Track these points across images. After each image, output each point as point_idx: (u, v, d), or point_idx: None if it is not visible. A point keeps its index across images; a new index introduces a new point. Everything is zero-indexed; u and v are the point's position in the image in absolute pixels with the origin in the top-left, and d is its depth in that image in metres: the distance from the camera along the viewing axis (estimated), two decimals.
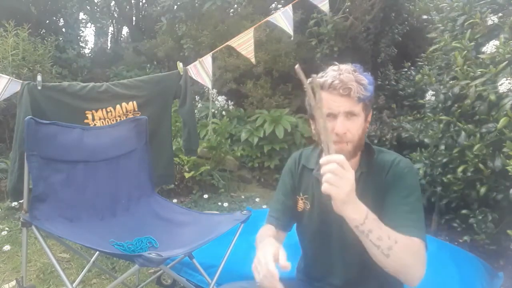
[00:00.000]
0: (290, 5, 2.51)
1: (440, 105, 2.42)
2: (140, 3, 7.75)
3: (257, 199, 3.54)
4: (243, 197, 3.58)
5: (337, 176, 0.86)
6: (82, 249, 2.10)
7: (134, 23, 7.79)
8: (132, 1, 7.63)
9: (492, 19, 2.06)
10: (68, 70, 5.44)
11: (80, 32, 6.63)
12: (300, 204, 1.24)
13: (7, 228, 2.73)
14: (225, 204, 3.33)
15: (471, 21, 2.13)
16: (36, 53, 4.06)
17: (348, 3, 4.27)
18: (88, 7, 6.98)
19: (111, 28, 8.66)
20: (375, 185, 1.10)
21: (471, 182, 2.18)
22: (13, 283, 2.06)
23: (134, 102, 2.12)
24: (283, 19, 2.48)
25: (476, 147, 1.98)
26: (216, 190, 3.57)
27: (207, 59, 2.35)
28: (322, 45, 4.27)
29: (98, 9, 7.25)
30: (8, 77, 1.90)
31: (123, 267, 2.27)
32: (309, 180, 1.22)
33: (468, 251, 2.09)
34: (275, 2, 5.68)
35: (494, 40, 1.92)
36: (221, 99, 4.52)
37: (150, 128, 1.92)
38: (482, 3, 2.20)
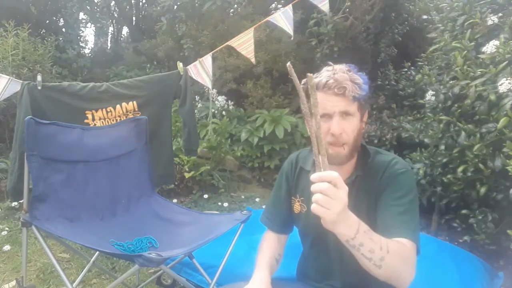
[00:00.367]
0: (290, 5, 2.51)
1: (440, 105, 2.42)
2: (140, 3, 7.76)
3: (257, 199, 3.54)
4: (243, 197, 3.58)
5: (328, 197, 0.79)
6: (82, 249, 2.10)
7: (134, 23, 7.79)
8: (132, 1, 7.63)
9: (492, 19, 2.06)
10: (68, 70, 5.44)
11: (80, 32, 6.64)
12: (297, 206, 1.23)
13: (7, 228, 2.73)
14: (225, 204, 3.33)
15: (471, 21, 2.13)
16: (36, 53, 4.06)
17: (348, 3, 4.27)
18: (88, 7, 6.99)
19: (111, 28, 8.67)
20: (370, 188, 1.09)
21: (471, 182, 2.18)
22: (13, 283, 2.06)
23: (134, 102, 2.12)
24: (283, 19, 2.48)
25: (476, 147, 1.98)
26: (216, 190, 3.58)
27: (207, 59, 2.35)
28: (322, 45, 4.27)
29: (98, 9, 7.25)
30: (8, 77, 1.90)
31: (123, 267, 2.27)
32: (306, 182, 1.20)
33: (468, 251, 2.09)
34: (275, 2, 5.69)
35: (494, 40, 1.92)
36: (221, 99, 4.52)
37: (150, 128, 1.92)
38: (482, 3, 2.20)
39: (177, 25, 5.03)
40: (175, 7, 4.93)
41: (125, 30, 8.79)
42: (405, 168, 1.08)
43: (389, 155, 1.14)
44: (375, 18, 4.49)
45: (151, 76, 2.30)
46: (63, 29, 6.24)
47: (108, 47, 8.41)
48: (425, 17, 4.21)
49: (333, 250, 1.15)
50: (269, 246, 1.24)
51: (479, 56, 2.01)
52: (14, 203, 2.97)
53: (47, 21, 6.13)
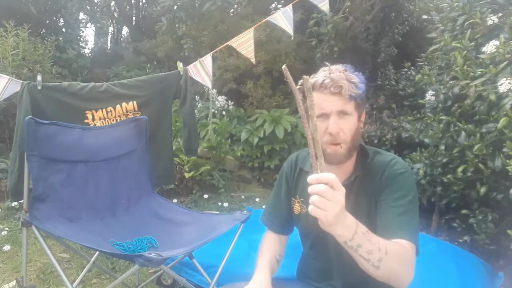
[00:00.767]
0: (290, 5, 2.51)
1: (440, 105, 2.42)
2: (140, 3, 7.75)
3: (257, 199, 3.54)
4: (243, 197, 3.58)
5: (325, 198, 0.81)
6: (82, 249, 2.10)
7: (134, 23, 7.79)
8: (132, 1, 7.62)
9: (492, 19, 2.06)
10: (68, 70, 5.44)
11: (80, 32, 6.63)
12: (297, 207, 1.23)
13: (7, 228, 2.73)
14: (225, 204, 3.33)
15: (471, 21, 2.13)
16: (36, 53, 4.06)
17: (348, 3, 4.27)
18: (88, 7, 6.98)
19: (111, 28, 8.66)
20: (370, 188, 1.09)
21: (471, 182, 2.18)
22: (13, 283, 2.06)
23: (134, 102, 2.12)
24: (283, 19, 2.48)
25: (476, 147, 1.98)
26: (216, 190, 3.58)
27: (207, 59, 2.35)
28: (322, 45, 4.27)
29: (98, 9, 7.24)
30: (8, 77, 1.90)
31: (123, 267, 2.27)
32: (305, 182, 1.20)
33: (468, 251, 2.09)
34: (275, 2, 5.69)
35: (494, 40, 1.92)
36: (221, 99, 4.52)
37: (150, 128, 1.92)
38: (482, 3, 2.20)
39: (177, 25, 5.03)
40: (175, 7, 4.93)
41: (125, 30, 8.80)
42: (404, 169, 1.08)
43: (388, 155, 1.13)
44: (375, 18, 4.49)
45: (151, 76, 2.30)
46: (63, 29, 6.24)
47: (108, 47, 8.41)
48: (425, 17, 4.22)
49: (333, 251, 1.15)
50: (270, 246, 1.24)
51: (479, 56, 2.00)
52: (14, 203, 2.97)
53: (47, 21, 6.13)
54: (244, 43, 2.40)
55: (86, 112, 2.02)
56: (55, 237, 1.62)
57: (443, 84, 2.38)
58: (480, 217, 2.18)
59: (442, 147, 2.35)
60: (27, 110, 1.84)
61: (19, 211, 2.83)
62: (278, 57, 4.57)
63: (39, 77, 1.91)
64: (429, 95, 2.61)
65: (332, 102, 1.03)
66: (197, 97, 4.79)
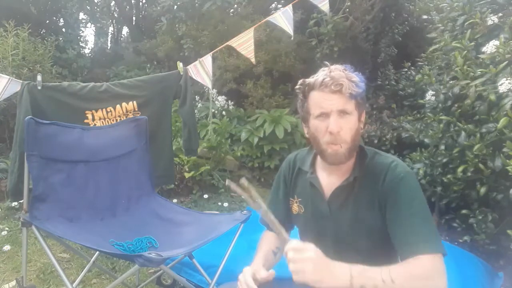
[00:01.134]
0: (290, 5, 2.51)
1: (440, 105, 2.42)
2: (140, 3, 7.75)
3: (257, 199, 3.53)
4: (243, 197, 3.57)
5: (296, 263, 0.87)
6: (82, 249, 2.10)
7: (134, 23, 7.78)
8: (132, 1, 7.62)
9: (492, 19, 2.06)
10: (68, 70, 5.44)
11: (80, 32, 6.63)
12: (295, 207, 1.23)
13: (7, 228, 2.73)
14: (225, 204, 3.33)
15: (471, 21, 2.13)
16: (36, 53, 4.06)
17: (348, 3, 4.27)
18: (88, 7, 6.98)
19: (111, 28, 8.66)
20: (371, 192, 1.08)
21: (471, 182, 2.18)
22: (13, 283, 2.06)
23: (134, 102, 2.12)
24: (283, 19, 2.48)
25: (476, 147, 1.98)
26: (216, 190, 3.57)
27: (207, 59, 2.35)
28: (322, 45, 4.27)
29: (98, 9, 7.24)
30: (8, 77, 1.90)
31: (123, 267, 2.27)
32: (304, 183, 1.21)
33: (468, 251, 2.09)
34: (275, 2, 5.68)
35: (494, 40, 1.92)
36: (221, 99, 4.52)
37: (150, 128, 1.92)
38: (482, 3, 2.20)
39: (177, 25, 5.02)
40: (175, 7, 4.93)
41: (125, 30, 8.79)
42: (406, 171, 1.06)
43: (388, 156, 1.12)
44: (375, 18, 4.50)
45: (151, 76, 2.30)
46: (63, 29, 6.23)
47: (108, 47, 8.41)
48: (425, 17, 4.22)
49: (332, 252, 1.13)
50: (266, 241, 1.25)
51: (479, 56, 2.00)
52: (14, 203, 2.97)
53: (47, 21, 6.12)
54: (244, 43, 2.40)
55: (86, 112, 2.02)
56: (55, 237, 1.62)
57: (443, 84, 2.38)
58: (480, 217, 2.18)
59: (442, 147, 2.35)
60: (27, 110, 1.84)
61: (19, 211, 2.83)
62: (278, 57, 4.57)
63: (39, 77, 1.91)
64: (429, 95, 2.61)
65: (332, 101, 1.02)
66: (197, 97, 4.79)
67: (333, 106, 1.02)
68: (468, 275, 1.77)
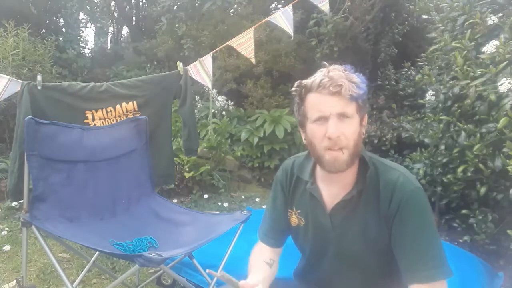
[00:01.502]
0: (290, 5, 2.51)
1: (440, 105, 2.42)
2: (140, 3, 7.75)
3: (257, 199, 3.54)
4: (243, 197, 3.58)
5: None
6: (82, 249, 2.10)
7: (134, 23, 7.78)
8: (132, 1, 7.62)
9: (492, 19, 2.06)
10: (68, 70, 5.44)
11: (80, 32, 6.62)
12: (294, 219, 1.15)
13: (7, 228, 2.73)
14: (225, 204, 3.33)
15: (471, 21, 2.13)
16: (36, 53, 4.06)
17: (348, 3, 4.27)
18: (88, 7, 6.97)
19: (111, 28, 8.65)
20: (377, 208, 1.00)
21: (471, 182, 2.18)
22: (13, 283, 2.06)
23: (134, 102, 2.12)
24: (283, 19, 2.48)
25: (476, 147, 1.98)
26: (216, 190, 3.58)
27: (207, 59, 2.35)
28: (322, 45, 4.27)
29: (98, 9, 7.24)
30: (8, 77, 1.89)
31: (123, 267, 2.27)
32: (303, 193, 1.12)
33: (468, 251, 2.09)
34: (275, 2, 5.68)
35: (494, 40, 1.92)
36: (221, 99, 4.52)
37: (150, 128, 1.92)
38: (482, 3, 2.19)
39: (177, 25, 5.02)
40: (175, 7, 4.93)
41: (125, 30, 8.78)
42: (413, 189, 0.97)
43: (393, 168, 1.02)
44: (375, 18, 4.49)
45: (151, 76, 2.30)
46: (63, 29, 6.23)
47: (108, 47, 8.41)
48: (425, 17, 4.20)
49: (333, 265, 1.11)
50: (257, 255, 1.19)
51: (479, 56, 2.00)
52: (14, 203, 2.97)
53: (47, 21, 6.12)
54: (244, 43, 2.40)
55: (86, 112, 2.02)
56: (55, 237, 1.62)
57: (443, 84, 2.38)
58: (480, 217, 2.18)
59: (442, 147, 2.35)
60: (27, 110, 1.84)
61: (19, 211, 2.83)
62: (278, 57, 4.57)
63: (39, 77, 1.90)
64: (429, 95, 2.61)
65: (331, 103, 0.94)
66: (197, 97, 4.79)
67: (332, 109, 0.94)
68: (468, 275, 1.77)
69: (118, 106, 2.08)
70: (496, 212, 2.17)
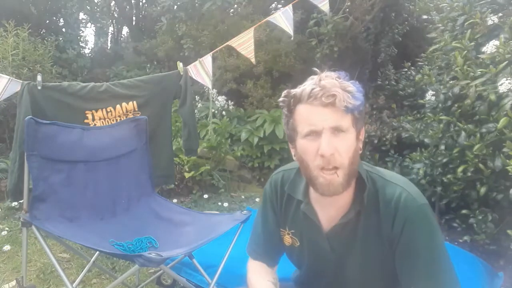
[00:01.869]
0: (290, 5, 2.51)
1: (440, 105, 2.42)
2: (140, 3, 7.74)
3: (257, 199, 3.53)
4: (243, 197, 3.58)
5: None
6: (82, 249, 2.10)
7: (134, 23, 7.78)
8: (132, 1, 7.62)
9: (492, 19, 2.06)
10: (68, 70, 5.44)
11: (80, 32, 6.63)
12: (287, 239, 1.07)
13: (7, 228, 2.73)
14: (225, 204, 3.33)
15: (471, 21, 2.13)
16: (36, 53, 4.06)
17: (348, 3, 4.27)
18: (88, 7, 6.97)
19: (111, 28, 8.64)
20: (379, 228, 0.92)
21: (471, 182, 2.18)
22: (13, 283, 2.06)
23: (134, 102, 2.12)
24: (283, 19, 2.48)
25: (476, 147, 1.98)
26: (216, 190, 3.57)
27: (207, 59, 2.35)
28: (322, 45, 4.27)
29: (98, 9, 7.24)
30: (8, 77, 1.90)
31: (123, 267, 2.27)
32: (296, 212, 1.02)
33: (468, 251, 2.09)
34: (275, 2, 5.68)
35: (494, 40, 1.92)
36: (221, 99, 4.52)
37: (150, 128, 1.92)
38: (482, 3, 2.20)
39: (177, 25, 5.02)
40: (175, 7, 4.93)
41: (125, 30, 8.77)
42: (418, 206, 0.89)
43: (393, 184, 0.92)
44: (375, 18, 4.49)
45: (151, 76, 2.30)
46: (63, 29, 6.23)
47: (108, 47, 8.40)
48: (425, 17, 4.21)
49: (329, 285, 1.06)
50: (259, 275, 1.09)
51: (479, 56, 2.00)
52: (14, 203, 2.97)
53: (47, 21, 6.12)
54: (244, 43, 2.40)
55: (86, 112, 2.02)
56: (55, 237, 1.62)
57: (443, 84, 2.38)
58: (480, 217, 2.18)
59: (442, 147, 2.35)
60: (27, 110, 1.84)
61: (19, 211, 2.83)
62: (278, 57, 4.57)
63: (39, 77, 1.91)
64: (429, 95, 2.62)
65: (323, 116, 0.84)
66: (197, 97, 4.79)
67: (325, 122, 0.84)
68: (468, 275, 1.76)
69: (118, 106, 2.08)
70: (496, 212, 2.17)
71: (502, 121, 1.73)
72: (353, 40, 4.45)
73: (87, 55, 7.01)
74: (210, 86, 2.53)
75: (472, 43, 2.10)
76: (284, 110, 0.93)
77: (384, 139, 3.53)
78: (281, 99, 0.93)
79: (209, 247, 1.39)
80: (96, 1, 7.24)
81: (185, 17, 4.86)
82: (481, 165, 2.03)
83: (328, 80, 0.85)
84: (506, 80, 1.74)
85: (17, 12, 5.17)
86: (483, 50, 1.97)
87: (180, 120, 3.02)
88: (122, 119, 2.06)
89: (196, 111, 4.24)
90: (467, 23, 2.16)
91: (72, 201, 1.59)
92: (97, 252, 1.79)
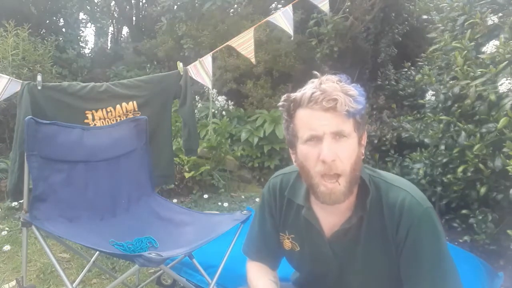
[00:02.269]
0: (290, 5, 2.51)
1: (440, 105, 2.42)
2: (140, 3, 7.75)
3: (257, 199, 3.53)
4: (243, 197, 3.58)
5: None
6: (82, 249, 2.10)
7: (134, 23, 7.78)
8: (132, 1, 7.62)
9: (492, 19, 2.06)
10: (68, 70, 5.45)
11: (80, 32, 6.64)
12: (287, 243, 1.05)
13: (7, 228, 2.73)
14: (225, 204, 3.33)
15: (471, 21, 2.13)
16: (36, 53, 4.06)
17: (348, 3, 4.27)
18: (88, 7, 6.98)
19: (111, 28, 8.64)
20: (383, 233, 0.90)
21: (471, 182, 2.18)
22: (13, 283, 2.06)
23: (134, 102, 2.12)
24: (283, 19, 2.48)
25: (476, 147, 1.98)
26: (216, 190, 3.57)
27: (207, 59, 2.35)
28: (322, 45, 4.27)
29: (98, 9, 7.24)
30: (8, 77, 1.90)
31: (123, 267, 2.27)
32: (296, 217, 1.01)
33: (468, 251, 2.09)
34: (275, 2, 5.68)
35: (494, 40, 1.92)
36: (221, 99, 4.52)
37: (150, 128, 1.92)
38: (482, 3, 2.20)
39: (177, 25, 5.02)
40: (175, 7, 4.93)
41: (125, 30, 8.78)
42: (423, 211, 0.87)
43: (397, 188, 0.91)
44: (375, 18, 4.49)
45: (151, 76, 2.30)
46: (63, 29, 6.24)
47: (108, 47, 8.40)
48: (425, 17, 4.22)
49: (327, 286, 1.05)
50: (259, 274, 1.08)
51: (479, 56, 2.01)
52: (14, 203, 2.97)
53: (47, 21, 6.13)
54: (244, 43, 2.40)
55: (86, 112, 2.02)
56: (55, 237, 1.62)
57: (443, 84, 2.38)
58: (480, 217, 2.18)
59: (442, 147, 2.35)
60: (27, 110, 1.84)
61: (19, 211, 2.83)
62: (278, 57, 4.57)
63: (39, 77, 1.91)
64: (429, 95, 2.62)
65: (325, 120, 0.82)
66: (197, 97, 4.79)
67: (326, 127, 0.82)
68: (468, 275, 1.76)
69: (118, 106, 2.08)
70: (496, 212, 2.17)
71: (502, 121, 1.73)
72: (353, 40, 4.45)
73: (87, 55, 7.01)
74: (210, 86, 2.53)
75: (472, 43, 2.10)
76: (284, 114, 0.91)
77: (384, 139, 3.53)
78: (280, 103, 0.91)
79: (209, 247, 1.39)
80: (96, 1, 7.24)
81: (185, 17, 4.85)
82: (481, 165, 2.03)
83: (329, 84, 0.84)
84: (506, 80, 1.75)
85: (17, 12, 5.18)
86: (483, 50, 1.97)
87: (180, 120, 3.02)
88: (122, 119, 2.06)
89: (196, 111, 4.24)
90: (467, 23, 2.17)
91: (72, 201, 1.59)
92: (97, 252, 1.79)
